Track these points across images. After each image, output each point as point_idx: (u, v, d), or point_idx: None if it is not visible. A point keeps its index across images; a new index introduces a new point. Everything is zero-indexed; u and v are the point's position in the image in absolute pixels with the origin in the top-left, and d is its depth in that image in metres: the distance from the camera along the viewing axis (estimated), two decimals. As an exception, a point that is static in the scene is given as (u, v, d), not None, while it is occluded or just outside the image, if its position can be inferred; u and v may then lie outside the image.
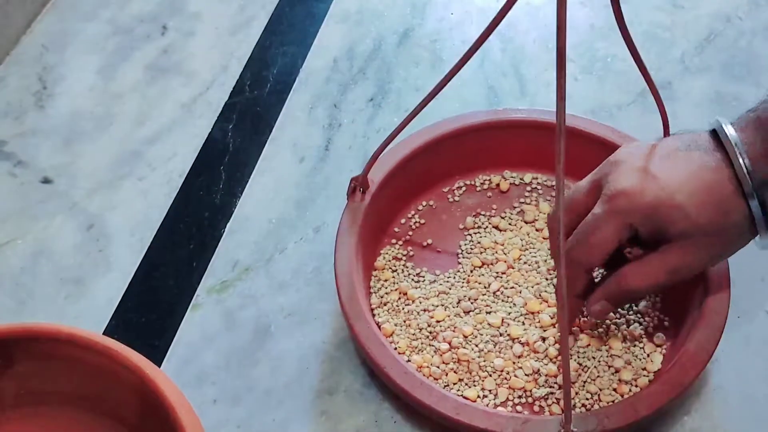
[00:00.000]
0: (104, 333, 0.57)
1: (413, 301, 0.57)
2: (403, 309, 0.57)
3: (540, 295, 0.56)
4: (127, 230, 0.63)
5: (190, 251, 0.62)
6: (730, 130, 0.47)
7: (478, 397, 0.52)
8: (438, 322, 0.56)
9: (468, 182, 0.65)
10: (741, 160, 0.46)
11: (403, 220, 0.62)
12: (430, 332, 0.55)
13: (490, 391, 0.52)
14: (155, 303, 0.59)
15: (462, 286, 0.58)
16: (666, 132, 0.56)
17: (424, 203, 0.63)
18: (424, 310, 0.56)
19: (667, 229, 0.47)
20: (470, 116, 0.64)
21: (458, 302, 0.57)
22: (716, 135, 0.48)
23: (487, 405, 0.52)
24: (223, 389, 0.54)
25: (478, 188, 0.64)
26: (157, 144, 0.69)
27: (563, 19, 0.35)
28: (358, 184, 0.57)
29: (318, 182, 0.66)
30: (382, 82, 0.73)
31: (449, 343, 0.54)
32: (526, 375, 0.53)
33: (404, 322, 0.56)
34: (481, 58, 0.75)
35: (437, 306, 0.56)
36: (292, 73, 0.74)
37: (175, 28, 0.78)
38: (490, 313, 0.56)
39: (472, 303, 0.57)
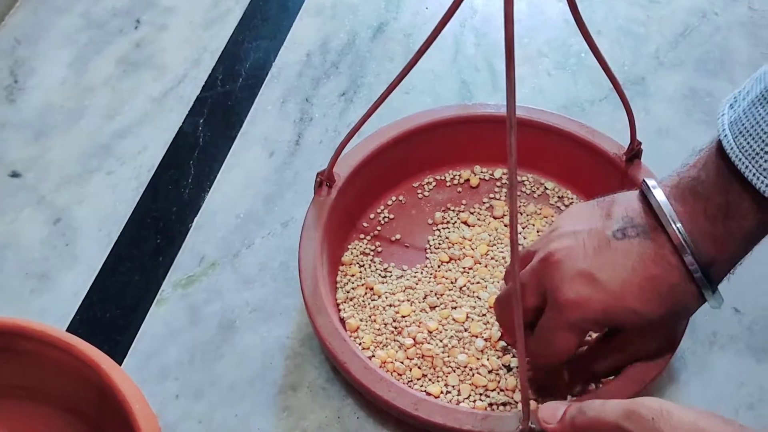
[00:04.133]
0: (68, 327, 0.57)
1: (379, 297, 0.57)
2: (368, 304, 0.56)
3: None
4: (94, 224, 0.63)
5: (156, 246, 0.61)
6: (667, 208, 0.44)
7: (441, 392, 0.52)
8: (403, 317, 0.55)
9: (438, 177, 0.64)
10: (687, 247, 0.43)
11: (372, 215, 0.62)
12: (395, 327, 0.55)
13: (453, 386, 0.52)
14: (120, 298, 0.58)
15: (429, 282, 0.58)
16: (632, 129, 0.56)
17: (393, 198, 0.63)
18: (390, 306, 0.56)
19: (623, 327, 0.47)
20: (440, 111, 0.63)
21: (424, 297, 0.56)
22: (649, 205, 0.45)
23: (450, 401, 0.52)
24: (185, 384, 0.54)
25: (448, 183, 0.64)
26: (127, 138, 0.68)
27: (511, 13, 0.34)
28: (324, 179, 0.57)
29: (287, 177, 0.65)
30: (355, 77, 0.73)
31: (414, 339, 0.54)
32: (488, 372, 0.53)
33: (369, 317, 0.56)
34: (454, 52, 0.75)
35: (403, 301, 0.56)
36: (264, 68, 0.74)
37: (149, 22, 0.78)
38: (455, 308, 0.56)
39: (438, 298, 0.56)
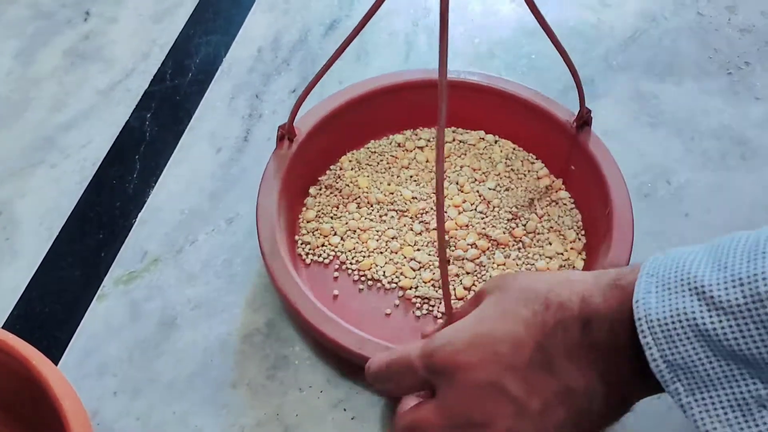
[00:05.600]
0: (5, 323, 0.56)
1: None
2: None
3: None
4: (35, 218, 0.62)
5: (98, 241, 0.60)
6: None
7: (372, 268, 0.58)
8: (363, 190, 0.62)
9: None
10: None
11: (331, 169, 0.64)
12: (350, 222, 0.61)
13: (380, 266, 0.57)
14: (60, 293, 0.58)
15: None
16: (581, 97, 0.58)
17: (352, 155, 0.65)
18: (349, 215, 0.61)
19: None
20: (405, 74, 0.65)
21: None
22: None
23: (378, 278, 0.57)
24: (124, 381, 0.53)
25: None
26: (73, 131, 0.67)
27: None
28: (285, 132, 0.58)
29: (234, 173, 0.65)
30: (306, 74, 0.73)
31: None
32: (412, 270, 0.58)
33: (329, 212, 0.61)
34: (406, 51, 0.75)
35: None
36: (214, 63, 0.73)
37: (98, 14, 0.77)
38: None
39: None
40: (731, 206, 0.63)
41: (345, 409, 0.52)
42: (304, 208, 0.61)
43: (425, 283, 0.57)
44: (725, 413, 0.33)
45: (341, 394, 0.52)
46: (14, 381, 0.45)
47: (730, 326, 0.32)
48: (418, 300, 0.56)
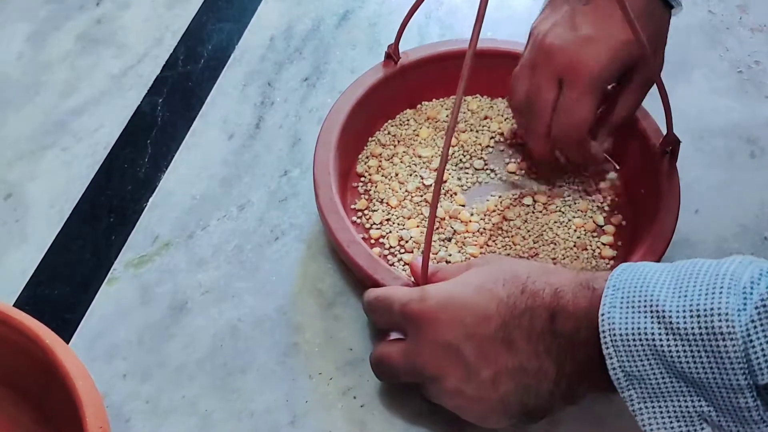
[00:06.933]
0: (15, 304, 0.56)
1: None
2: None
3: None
4: (46, 201, 0.62)
5: (109, 224, 0.60)
6: None
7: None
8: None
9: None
10: None
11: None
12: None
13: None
14: (70, 276, 0.58)
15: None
16: (669, 123, 0.58)
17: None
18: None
19: (627, 63, 0.56)
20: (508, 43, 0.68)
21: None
22: None
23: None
24: (133, 364, 0.53)
25: None
26: (84, 115, 0.67)
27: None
28: (391, 52, 0.63)
29: (246, 160, 0.65)
30: (318, 63, 0.73)
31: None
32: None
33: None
34: (419, 43, 0.75)
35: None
36: (227, 50, 0.73)
37: (111, -1, 0.77)
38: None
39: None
40: (740, 204, 0.64)
41: (355, 397, 0.52)
42: (382, 129, 0.64)
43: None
44: (671, 422, 0.37)
45: (351, 381, 0.53)
46: (25, 359, 0.45)
47: (684, 351, 0.36)
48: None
